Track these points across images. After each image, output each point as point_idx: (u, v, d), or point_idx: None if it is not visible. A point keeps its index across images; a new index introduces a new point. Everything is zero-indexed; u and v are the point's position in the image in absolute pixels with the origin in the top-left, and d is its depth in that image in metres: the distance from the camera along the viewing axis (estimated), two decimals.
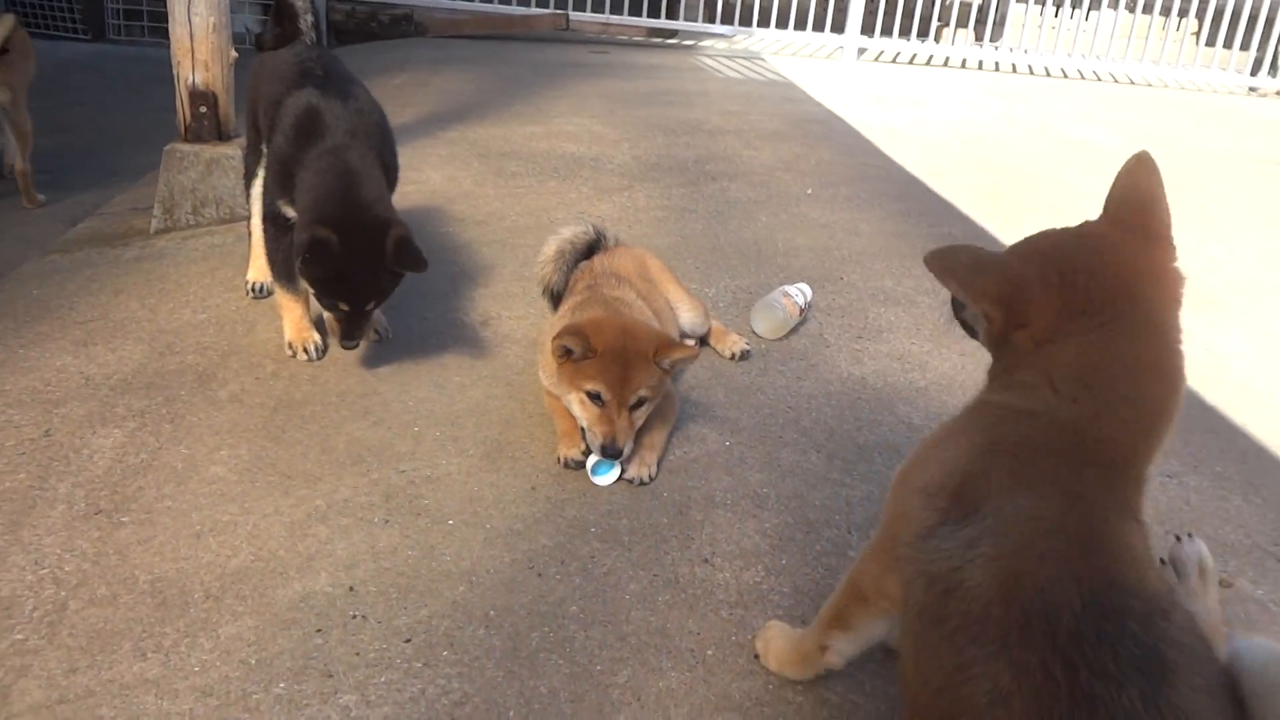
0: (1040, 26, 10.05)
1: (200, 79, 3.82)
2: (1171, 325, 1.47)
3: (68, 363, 2.86)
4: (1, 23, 4.26)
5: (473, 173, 4.74)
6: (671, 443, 2.58)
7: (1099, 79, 9.41)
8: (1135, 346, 1.45)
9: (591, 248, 3.06)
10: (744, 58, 8.86)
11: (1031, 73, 9.42)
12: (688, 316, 2.99)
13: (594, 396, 2.30)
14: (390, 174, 2.85)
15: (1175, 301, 1.51)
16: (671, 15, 9.24)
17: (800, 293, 3.31)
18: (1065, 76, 9.40)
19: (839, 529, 2.31)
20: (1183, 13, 9.77)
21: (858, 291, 3.67)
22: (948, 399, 2.95)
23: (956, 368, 3.15)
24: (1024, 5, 10.44)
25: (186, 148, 3.88)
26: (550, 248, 3.04)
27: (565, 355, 2.32)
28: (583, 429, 2.40)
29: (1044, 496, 1.40)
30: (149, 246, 3.81)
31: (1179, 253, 1.54)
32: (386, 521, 2.21)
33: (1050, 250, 1.52)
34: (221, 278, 3.42)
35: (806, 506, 2.38)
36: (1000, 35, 10.27)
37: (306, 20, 3.12)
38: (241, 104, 4.03)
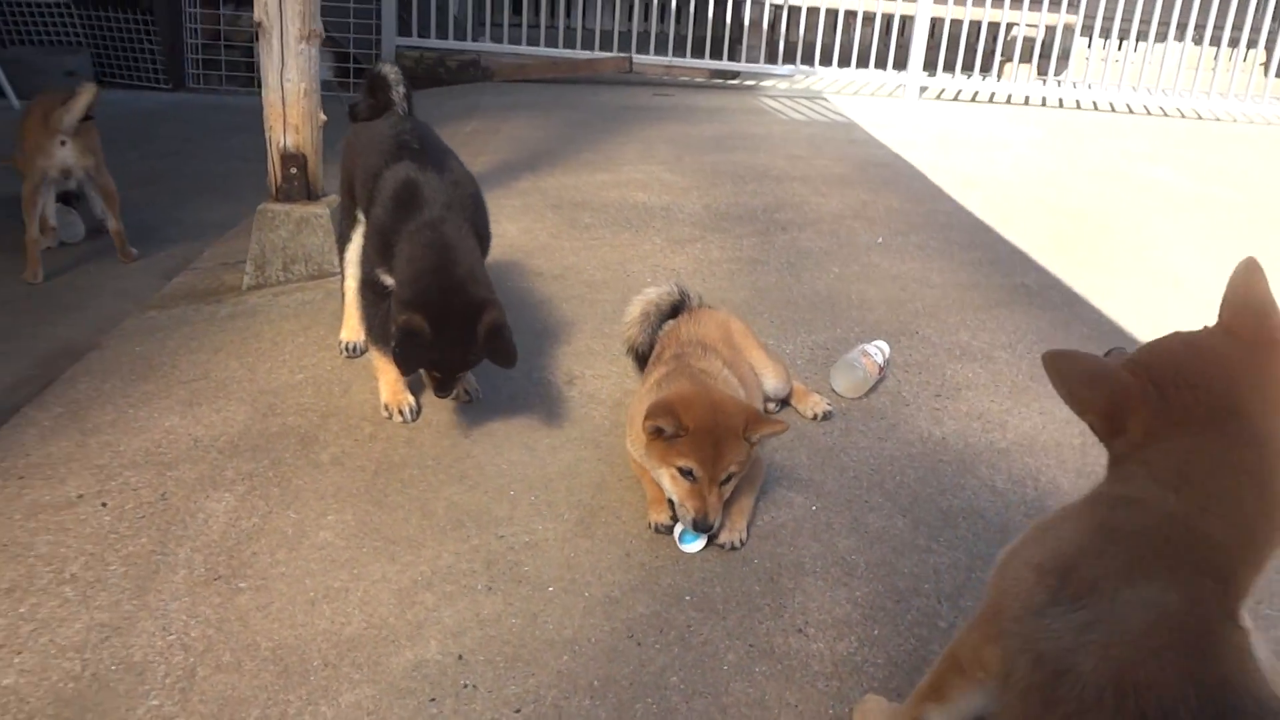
0: (1104, 60, 10.01)
1: (291, 141, 3.98)
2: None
3: (176, 424, 2.99)
4: (85, 91, 4.43)
5: (548, 225, 4.85)
6: (759, 506, 2.64)
7: (1165, 114, 9.34)
8: (1234, 454, 1.51)
9: (676, 308, 3.14)
10: (805, 98, 8.93)
11: (1096, 109, 9.37)
12: (771, 381, 3.05)
13: (686, 473, 2.37)
14: (484, 243, 2.96)
15: None
16: (733, 56, 9.35)
17: (879, 350, 3.35)
18: (1131, 112, 9.34)
19: (928, 598, 2.35)
20: (1251, 43, 9.68)
21: (934, 347, 3.70)
22: (1030, 460, 2.98)
23: (1037, 427, 3.17)
24: (1087, 39, 10.41)
25: (278, 207, 4.03)
26: (635, 310, 3.12)
27: (657, 434, 2.38)
28: (671, 501, 2.46)
29: (1156, 588, 1.44)
30: (242, 303, 3.96)
31: None
32: (489, 589, 2.30)
33: (1157, 362, 1.60)
34: (315, 336, 3.55)
35: (895, 574, 2.43)
36: (1064, 69, 10.24)
37: (399, 92, 3.25)
38: (330, 161, 4.19)
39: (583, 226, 4.85)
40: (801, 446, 2.97)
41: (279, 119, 3.96)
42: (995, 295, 4.27)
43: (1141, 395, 1.56)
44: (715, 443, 2.32)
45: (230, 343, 3.56)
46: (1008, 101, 9.38)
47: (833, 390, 3.29)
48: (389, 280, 2.88)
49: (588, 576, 2.36)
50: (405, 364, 2.70)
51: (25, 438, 2.97)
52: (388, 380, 3.03)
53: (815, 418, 3.10)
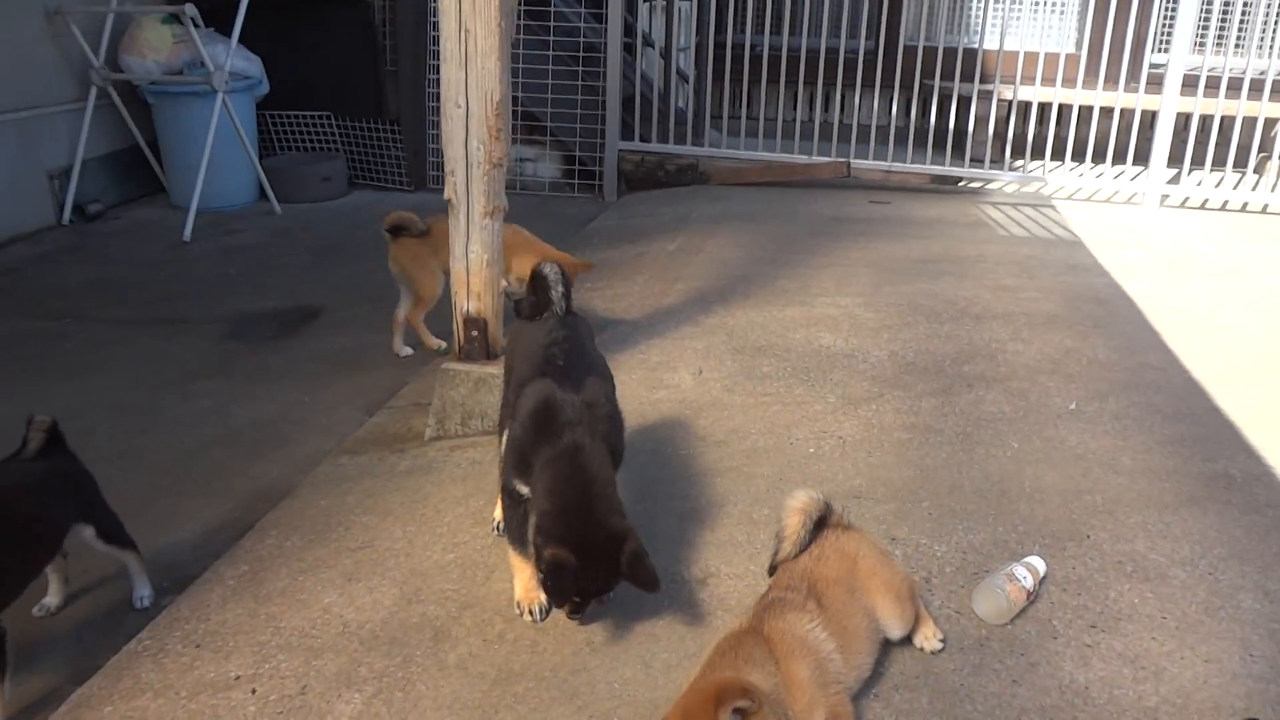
0: None
1: (474, 307, 4.24)
2: None
3: (333, 602, 3.24)
4: (393, 213, 5.50)
5: (724, 374, 4.90)
6: None
7: None
8: None
9: (823, 519, 2.99)
10: (1030, 205, 8.56)
11: None
12: (895, 629, 2.88)
13: None
14: (617, 459, 3.06)
15: None
16: (957, 151, 9.11)
17: (1029, 573, 3.18)
18: None
19: None
20: None
21: (1103, 557, 3.46)
22: None
23: (1197, 680, 2.90)
24: None
25: (459, 367, 4.30)
26: (792, 532, 2.90)
27: None
28: None
29: None
30: (422, 455, 4.24)
31: None
32: None
33: None
34: (473, 508, 3.75)
35: None
36: None
37: (557, 291, 3.41)
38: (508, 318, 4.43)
39: (759, 377, 4.87)
40: (925, 686, 2.86)
41: (463, 286, 4.23)
42: (1190, 487, 3.94)
43: None
44: None
45: (400, 505, 3.81)
46: (1263, 210, 8.61)
47: (974, 611, 3.15)
48: (525, 490, 3.02)
49: None
50: (556, 596, 2.85)
51: (210, 599, 3.31)
52: (522, 578, 3.16)
53: (929, 652, 2.95)
